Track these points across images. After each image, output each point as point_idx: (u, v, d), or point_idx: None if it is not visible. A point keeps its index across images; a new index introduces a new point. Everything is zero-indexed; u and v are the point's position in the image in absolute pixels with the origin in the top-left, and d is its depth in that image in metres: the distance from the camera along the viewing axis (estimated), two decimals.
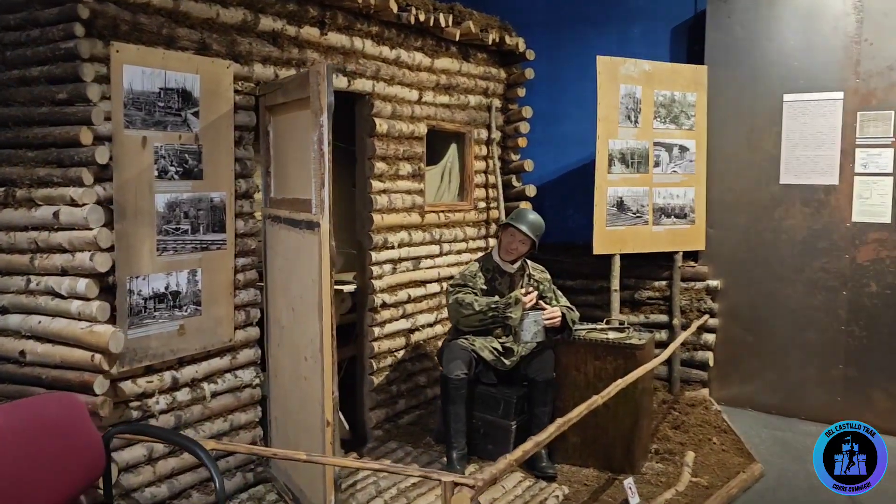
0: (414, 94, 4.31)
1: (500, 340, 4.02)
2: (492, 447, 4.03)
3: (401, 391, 4.41)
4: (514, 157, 5.15)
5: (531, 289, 3.94)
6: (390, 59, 4.11)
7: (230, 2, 3.20)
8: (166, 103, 2.96)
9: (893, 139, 4.44)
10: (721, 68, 4.91)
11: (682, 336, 4.31)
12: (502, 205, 4.99)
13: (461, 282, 4.00)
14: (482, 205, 5.01)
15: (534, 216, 4.03)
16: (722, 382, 5.04)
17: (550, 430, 2.76)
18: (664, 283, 5.07)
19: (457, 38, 4.43)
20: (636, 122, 4.77)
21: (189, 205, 3.08)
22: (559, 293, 4.21)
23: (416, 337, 4.48)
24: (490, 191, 5.04)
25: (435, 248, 4.60)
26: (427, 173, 4.70)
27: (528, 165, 5.10)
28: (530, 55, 5.03)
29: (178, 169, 3.03)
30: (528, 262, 4.20)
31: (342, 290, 4.22)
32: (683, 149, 4.92)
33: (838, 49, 4.57)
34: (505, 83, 5.12)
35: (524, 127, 5.07)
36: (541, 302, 3.95)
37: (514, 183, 5.13)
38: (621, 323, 4.26)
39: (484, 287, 4.01)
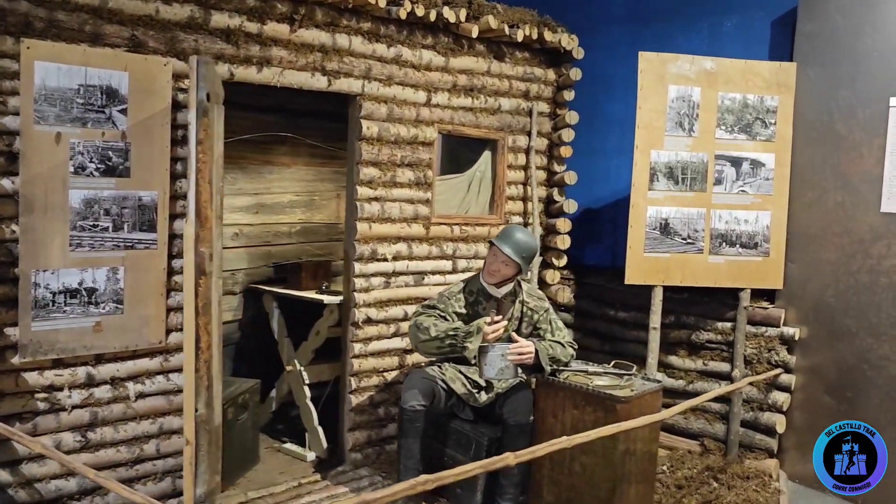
0: (421, 96, 3.98)
1: None
2: (460, 491, 3.58)
3: (390, 414, 4.09)
4: (560, 167, 4.58)
5: (499, 318, 3.42)
6: (388, 58, 3.83)
7: None
8: (86, 100, 2.95)
9: None
10: (812, 66, 3.97)
11: (708, 395, 3.47)
12: (537, 220, 4.46)
13: (433, 303, 3.60)
14: (517, 220, 4.51)
15: (522, 235, 3.51)
16: (798, 455, 4.06)
17: (397, 489, 2.31)
18: (729, 325, 4.21)
19: (474, 35, 4.01)
20: (691, 130, 4.00)
21: (111, 202, 3.06)
22: (559, 325, 3.63)
23: (413, 358, 4.13)
24: (529, 204, 4.53)
25: (446, 264, 4.22)
26: (448, 182, 4.35)
27: (570, 178, 4.50)
28: (579, 53, 4.44)
29: (99, 166, 3.01)
30: (524, 286, 3.68)
31: (321, 301, 4.01)
32: (757, 164, 4.04)
33: None
34: (554, 85, 4.58)
35: (567, 135, 4.49)
36: (513, 334, 3.42)
37: (557, 197, 4.57)
38: (626, 367, 3.55)
39: (461, 311, 3.57)
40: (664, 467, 4.07)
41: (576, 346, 3.63)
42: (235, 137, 4.14)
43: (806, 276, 4.02)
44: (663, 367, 4.43)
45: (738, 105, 4.00)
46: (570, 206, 4.49)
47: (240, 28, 3.33)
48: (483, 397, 3.56)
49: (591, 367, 3.50)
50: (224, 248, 4.40)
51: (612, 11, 5.04)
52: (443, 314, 3.52)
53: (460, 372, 3.59)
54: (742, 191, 4.05)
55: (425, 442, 3.54)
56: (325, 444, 4.03)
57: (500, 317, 3.43)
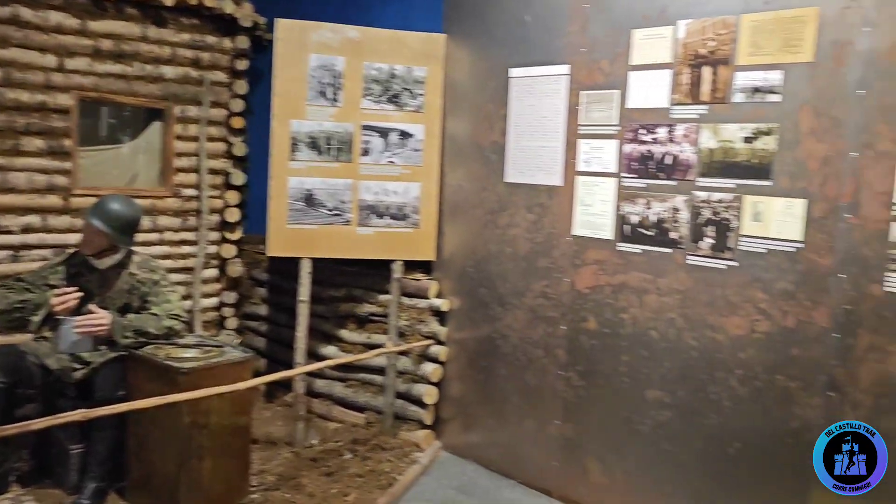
0: (50, 60, 3.79)
1: None
2: (60, 471, 3.45)
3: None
4: (236, 139, 4.47)
5: (71, 289, 3.29)
6: (1, 18, 3.63)
7: None
8: None
9: (619, 127, 3.32)
10: (456, 36, 3.96)
11: (310, 367, 3.43)
12: (205, 192, 4.34)
13: (23, 276, 3.43)
14: (189, 192, 4.38)
15: (117, 205, 3.37)
16: (454, 425, 4.09)
17: None
18: (390, 297, 4.19)
19: None
20: (335, 100, 3.94)
21: None
22: (168, 297, 3.50)
23: None
24: (209, 177, 4.41)
25: None
26: (109, 152, 4.19)
27: (239, 149, 4.41)
28: (246, 21, 4.33)
29: None
30: (136, 257, 3.55)
31: None
32: (405, 134, 4.01)
33: (566, 6, 3.50)
34: (231, 54, 4.46)
35: (236, 104, 4.39)
36: (92, 306, 3.30)
37: (230, 169, 4.46)
38: (218, 341, 3.48)
39: (60, 283, 3.41)
40: (315, 441, 4.04)
41: (182, 318, 3.52)
42: None
43: (454, 248, 4.03)
44: (336, 340, 4.40)
45: (384, 75, 3.96)
46: (238, 178, 4.40)
47: None
48: (79, 374, 3.42)
49: (184, 339, 3.41)
50: None
51: None
52: (28, 286, 3.36)
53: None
54: (391, 161, 4.02)
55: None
56: None
57: (73, 289, 3.30)
